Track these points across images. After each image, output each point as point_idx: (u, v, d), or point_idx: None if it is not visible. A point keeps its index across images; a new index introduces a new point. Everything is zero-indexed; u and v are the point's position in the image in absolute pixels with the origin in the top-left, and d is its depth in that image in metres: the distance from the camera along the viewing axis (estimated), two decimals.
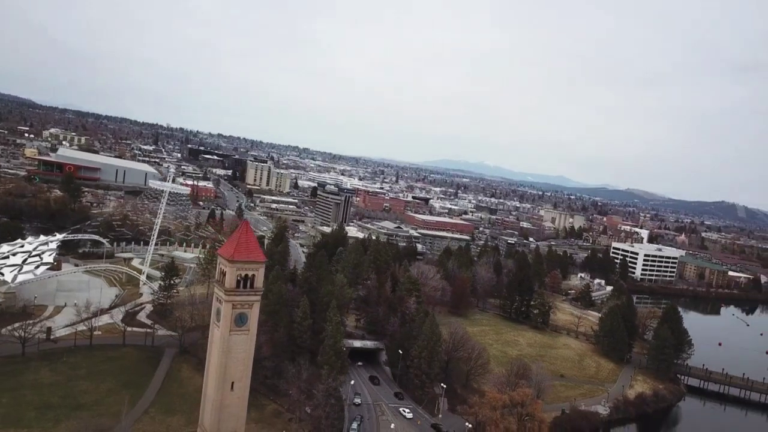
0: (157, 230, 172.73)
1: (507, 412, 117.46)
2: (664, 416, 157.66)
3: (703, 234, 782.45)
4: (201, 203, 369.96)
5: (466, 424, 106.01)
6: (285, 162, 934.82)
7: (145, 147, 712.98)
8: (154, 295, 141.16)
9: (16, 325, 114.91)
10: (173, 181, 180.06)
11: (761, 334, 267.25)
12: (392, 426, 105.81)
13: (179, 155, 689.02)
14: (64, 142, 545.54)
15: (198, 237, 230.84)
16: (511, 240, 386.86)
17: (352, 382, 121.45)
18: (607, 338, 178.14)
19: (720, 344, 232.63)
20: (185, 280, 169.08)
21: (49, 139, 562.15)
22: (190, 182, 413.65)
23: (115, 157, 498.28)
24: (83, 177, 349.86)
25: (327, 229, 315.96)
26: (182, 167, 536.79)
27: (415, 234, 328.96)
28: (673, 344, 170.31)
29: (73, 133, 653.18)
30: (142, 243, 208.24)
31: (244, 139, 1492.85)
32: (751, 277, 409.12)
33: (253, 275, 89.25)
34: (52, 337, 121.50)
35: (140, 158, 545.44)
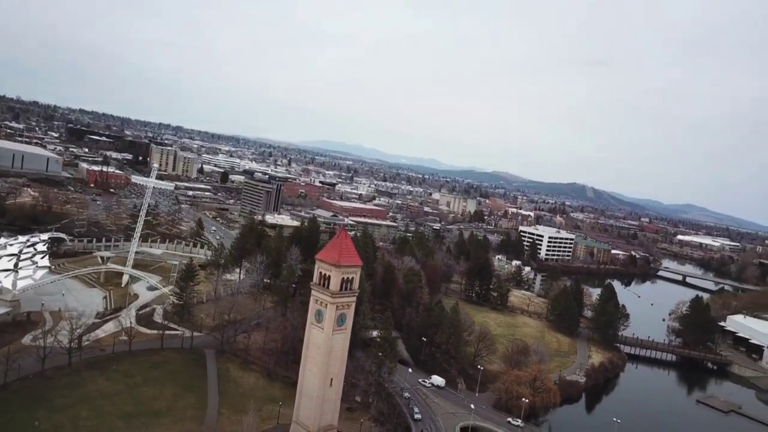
0: (140, 228, 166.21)
1: (526, 385, 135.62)
2: (616, 379, 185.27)
3: (572, 214, 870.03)
4: (113, 190, 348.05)
5: (522, 400, 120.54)
6: (165, 141, 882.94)
7: (12, 124, 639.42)
8: (172, 295, 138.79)
9: (64, 332, 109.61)
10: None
11: (652, 304, 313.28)
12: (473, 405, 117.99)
13: (56, 135, 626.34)
14: None
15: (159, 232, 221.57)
16: (436, 226, 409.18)
17: (410, 370, 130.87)
18: (560, 316, 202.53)
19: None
20: (173, 278, 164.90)
21: None
22: (96, 168, 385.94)
23: None
24: None
25: (261, 219, 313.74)
26: (71, 150, 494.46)
27: (351, 222, 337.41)
28: (616, 318, 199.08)
29: None
30: (104, 239, 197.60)
31: (112, 115, 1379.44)
32: (628, 254, 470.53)
33: (352, 278, 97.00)
34: (86, 343, 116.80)
35: (17, 139, 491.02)
